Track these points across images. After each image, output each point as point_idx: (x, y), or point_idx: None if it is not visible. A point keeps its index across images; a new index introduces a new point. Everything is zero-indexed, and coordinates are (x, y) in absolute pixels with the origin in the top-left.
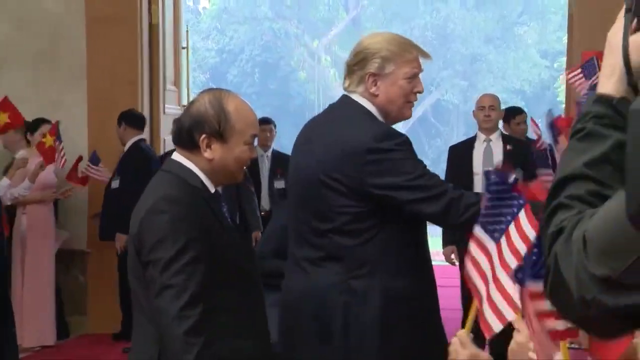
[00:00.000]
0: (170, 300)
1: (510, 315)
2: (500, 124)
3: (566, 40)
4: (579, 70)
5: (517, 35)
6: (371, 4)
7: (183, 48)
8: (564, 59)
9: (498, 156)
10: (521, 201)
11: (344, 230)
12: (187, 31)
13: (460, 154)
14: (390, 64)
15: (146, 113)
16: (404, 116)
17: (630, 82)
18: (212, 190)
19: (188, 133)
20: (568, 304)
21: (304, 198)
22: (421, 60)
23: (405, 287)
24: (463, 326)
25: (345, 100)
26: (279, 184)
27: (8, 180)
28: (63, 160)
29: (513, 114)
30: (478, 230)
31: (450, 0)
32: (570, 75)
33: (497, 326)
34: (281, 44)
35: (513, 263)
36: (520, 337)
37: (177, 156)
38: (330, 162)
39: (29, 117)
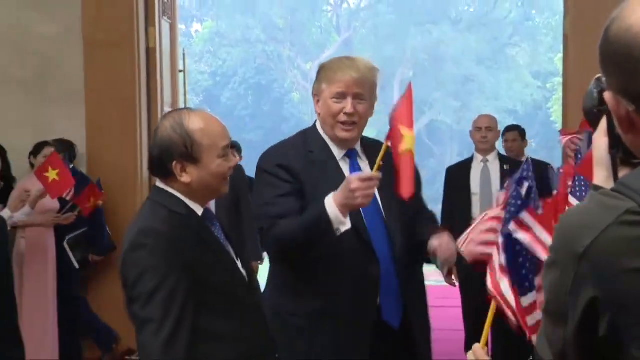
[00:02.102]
0: (151, 335)
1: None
2: (500, 143)
3: (557, 62)
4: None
5: (508, 57)
6: (362, 26)
7: (180, 71)
8: (556, 79)
9: (495, 176)
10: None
11: None
12: (184, 54)
13: (458, 175)
14: (323, 83)
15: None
16: (337, 137)
17: None
18: (200, 212)
19: (159, 162)
20: None
21: None
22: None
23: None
24: (467, 345)
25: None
26: None
27: (9, 212)
28: (71, 193)
29: (503, 131)
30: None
31: (442, 23)
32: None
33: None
34: (274, 66)
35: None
36: None
37: (160, 183)
38: None
39: (25, 143)
